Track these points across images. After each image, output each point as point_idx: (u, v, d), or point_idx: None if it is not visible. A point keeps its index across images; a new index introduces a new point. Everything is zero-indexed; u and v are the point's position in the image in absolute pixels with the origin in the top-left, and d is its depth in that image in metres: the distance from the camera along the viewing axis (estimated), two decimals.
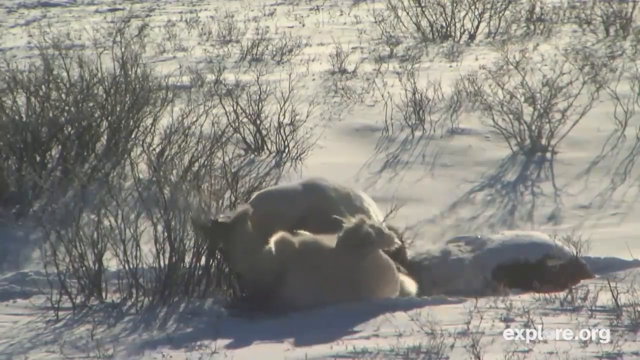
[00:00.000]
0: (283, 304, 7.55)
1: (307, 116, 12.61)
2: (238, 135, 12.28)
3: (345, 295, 7.52)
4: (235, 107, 12.43)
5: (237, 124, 12.31)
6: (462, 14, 19.35)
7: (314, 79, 15.75)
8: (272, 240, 7.67)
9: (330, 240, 7.71)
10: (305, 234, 7.79)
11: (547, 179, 11.45)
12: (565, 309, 7.17)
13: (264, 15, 22.97)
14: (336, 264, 7.56)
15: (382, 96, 13.79)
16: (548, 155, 12.07)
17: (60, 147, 11.09)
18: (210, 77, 15.26)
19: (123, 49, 12.03)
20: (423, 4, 19.41)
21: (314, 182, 8.36)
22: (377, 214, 8.51)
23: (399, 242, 7.78)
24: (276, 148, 12.28)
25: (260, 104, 12.46)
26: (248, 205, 7.88)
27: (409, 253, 8.47)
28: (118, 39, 13.36)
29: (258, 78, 13.09)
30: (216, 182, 8.24)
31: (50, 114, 11.07)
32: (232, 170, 8.79)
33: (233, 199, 8.40)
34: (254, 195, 8.26)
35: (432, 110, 13.44)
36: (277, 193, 8.19)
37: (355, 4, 23.78)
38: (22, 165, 10.55)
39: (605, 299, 7.19)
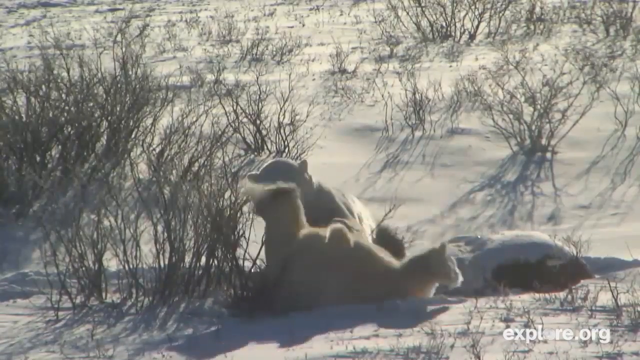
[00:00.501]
0: (308, 300, 7.49)
1: (307, 116, 12.61)
2: (238, 135, 12.28)
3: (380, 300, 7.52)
4: (235, 107, 12.43)
5: (237, 124, 12.31)
6: (462, 14, 19.36)
7: (314, 79, 15.76)
8: (330, 229, 7.60)
9: (382, 252, 7.67)
10: (360, 234, 7.73)
11: (547, 179, 11.45)
12: (565, 309, 7.17)
13: (264, 15, 22.98)
14: (388, 279, 7.54)
15: (382, 96, 13.79)
16: (548, 155, 12.07)
17: (60, 147, 11.08)
18: (210, 77, 15.26)
19: (123, 49, 12.03)
20: (423, 4, 19.42)
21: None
22: (367, 217, 8.49)
23: (462, 278, 7.72)
24: (276, 148, 12.28)
25: (260, 104, 12.46)
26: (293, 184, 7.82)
27: (409, 253, 8.44)
28: (119, 39, 13.36)
29: (258, 78, 13.09)
30: (216, 182, 8.22)
31: (50, 114, 11.07)
32: (232, 171, 8.78)
33: (233, 199, 8.38)
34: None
35: (432, 110, 13.44)
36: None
37: (355, 4, 23.79)
38: (22, 165, 10.54)
39: (605, 299, 7.19)
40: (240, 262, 7.92)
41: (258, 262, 7.84)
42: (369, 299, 7.43)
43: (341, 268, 7.52)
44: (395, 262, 7.65)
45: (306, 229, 7.67)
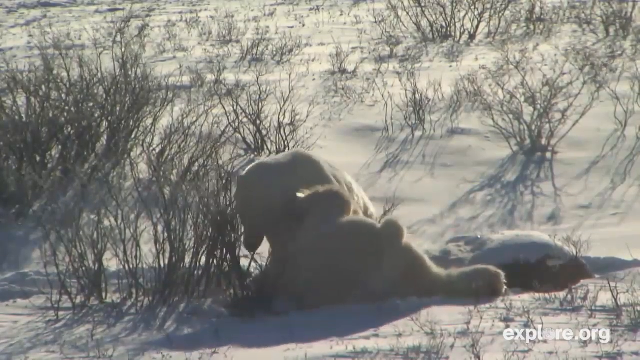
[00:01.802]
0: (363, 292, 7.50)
1: (307, 116, 12.61)
2: (238, 135, 12.28)
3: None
4: (235, 107, 12.43)
5: (237, 124, 12.31)
6: (462, 14, 19.37)
7: (314, 79, 15.76)
8: (385, 219, 7.69)
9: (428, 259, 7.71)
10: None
11: (547, 179, 11.45)
12: (565, 309, 7.17)
13: (264, 15, 22.99)
14: (432, 288, 7.58)
15: (382, 96, 13.79)
16: (548, 155, 12.07)
17: (60, 147, 11.09)
18: (210, 77, 15.26)
19: (123, 49, 12.03)
20: (423, 4, 19.42)
21: (303, 154, 8.30)
22: (359, 191, 8.46)
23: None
24: (276, 148, 12.28)
25: (260, 104, 12.46)
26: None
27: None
28: (118, 39, 13.36)
29: (258, 78, 13.09)
30: (216, 182, 8.22)
31: (50, 114, 11.07)
32: (232, 171, 8.76)
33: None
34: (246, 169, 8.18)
35: (432, 110, 13.44)
36: (267, 166, 8.10)
37: (355, 4, 23.80)
38: (22, 165, 10.55)
39: (605, 299, 7.19)
40: (240, 261, 7.94)
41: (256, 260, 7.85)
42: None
43: (391, 262, 7.53)
44: (440, 271, 7.67)
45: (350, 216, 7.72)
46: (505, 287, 7.65)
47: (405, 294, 7.47)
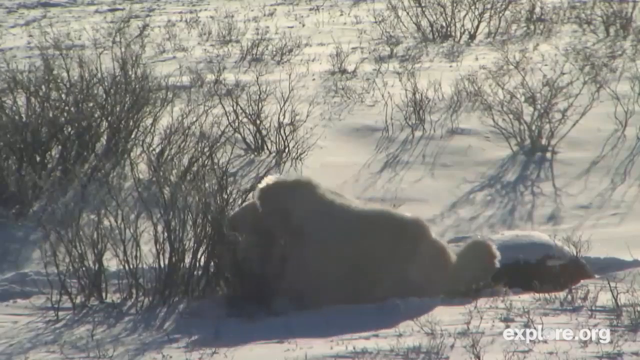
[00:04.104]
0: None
1: (307, 116, 12.60)
2: (238, 135, 12.28)
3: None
4: (235, 107, 12.43)
5: (237, 124, 12.31)
6: (462, 14, 19.36)
7: (314, 79, 15.75)
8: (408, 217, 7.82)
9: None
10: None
11: (547, 179, 11.45)
12: (565, 309, 7.17)
13: (264, 15, 22.98)
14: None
15: (382, 96, 13.79)
16: (548, 155, 12.07)
17: (60, 147, 11.09)
18: (210, 77, 15.26)
19: (123, 49, 12.03)
20: (423, 4, 19.42)
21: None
22: None
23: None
24: (276, 148, 12.27)
25: (260, 104, 12.46)
26: None
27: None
28: (118, 39, 13.36)
29: (258, 78, 13.09)
30: (216, 182, 8.22)
31: (50, 114, 11.07)
32: (228, 171, 8.77)
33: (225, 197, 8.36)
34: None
35: (432, 110, 13.44)
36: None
37: (355, 4, 23.78)
38: (22, 165, 10.54)
39: (605, 299, 7.19)
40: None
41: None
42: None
43: (425, 251, 7.66)
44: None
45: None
46: (497, 258, 7.75)
47: (437, 282, 7.57)
